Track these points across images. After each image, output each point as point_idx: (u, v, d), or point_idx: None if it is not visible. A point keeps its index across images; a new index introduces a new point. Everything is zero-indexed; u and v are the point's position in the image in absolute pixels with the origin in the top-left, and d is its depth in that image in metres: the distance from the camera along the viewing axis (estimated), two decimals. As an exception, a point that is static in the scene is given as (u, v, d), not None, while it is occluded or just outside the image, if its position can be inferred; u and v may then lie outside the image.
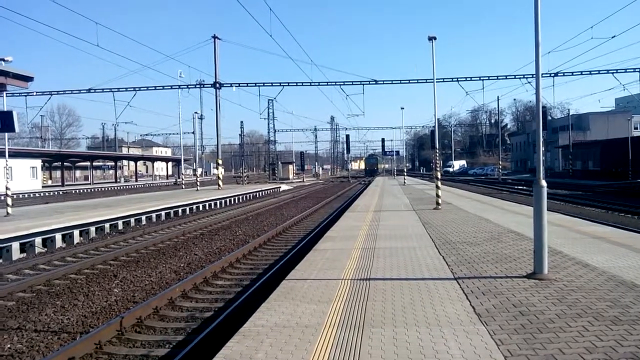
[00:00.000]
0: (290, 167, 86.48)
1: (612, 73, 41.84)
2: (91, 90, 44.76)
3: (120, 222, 20.09)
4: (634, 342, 4.71)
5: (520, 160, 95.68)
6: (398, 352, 4.61)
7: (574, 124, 70.23)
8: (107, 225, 19.11)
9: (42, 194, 47.97)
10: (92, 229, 18.09)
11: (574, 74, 43.23)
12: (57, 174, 78.57)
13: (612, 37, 34.13)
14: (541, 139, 7.81)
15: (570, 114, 74.70)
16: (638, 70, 41.92)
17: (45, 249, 15.39)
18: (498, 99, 68.26)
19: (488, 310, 5.82)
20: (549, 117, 77.67)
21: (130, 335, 7.44)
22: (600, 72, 42.64)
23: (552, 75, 42.61)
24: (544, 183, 7.39)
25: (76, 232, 17.00)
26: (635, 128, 67.98)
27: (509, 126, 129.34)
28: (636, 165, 47.28)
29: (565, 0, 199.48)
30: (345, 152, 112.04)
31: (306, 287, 7.21)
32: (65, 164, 75.36)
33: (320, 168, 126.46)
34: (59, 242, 16.00)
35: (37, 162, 61.37)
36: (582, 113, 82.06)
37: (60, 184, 67.86)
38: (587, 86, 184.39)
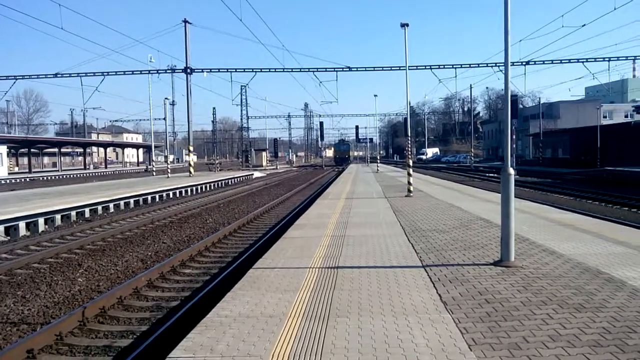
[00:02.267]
0: (264, 154, 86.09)
1: (583, 62, 42.51)
2: (58, 75, 43.69)
3: (87, 210, 19.67)
4: (597, 329, 4.72)
5: (492, 148, 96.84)
6: (362, 342, 4.54)
7: (544, 113, 71.21)
8: (73, 213, 18.69)
9: (8, 181, 46.82)
10: (58, 217, 17.67)
11: (545, 62, 43.79)
12: (24, 160, 76.72)
13: (583, 26, 34.49)
14: (510, 127, 7.81)
15: (541, 102, 75.69)
16: (608, 59, 42.65)
17: (8, 238, 14.96)
18: (471, 87, 69.18)
19: (454, 298, 5.80)
20: (520, 106, 78.60)
21: (92, 326, 7.26)
22: (571, 61, 43.29)
23: (524, 63, 43.02)
24: (511, 171, 7.40)
25: (41, 220, 16.57)
26: (604, 117, 69.34)
27: (481, 114, 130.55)
28: (604, 153, 48.21)
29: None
30: (319, 139, 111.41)
31: (273, 276, 7.10)
32: (32, 150, 73.63)
33: (294, 155, 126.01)
34: (22, 231, 15.57)
35: (3, 149, 59.81)
36: (552, 102, 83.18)
37: (27, 170, 66.34)
38: (558, 75, 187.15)
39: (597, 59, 42.87)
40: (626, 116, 74.39)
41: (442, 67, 45.71)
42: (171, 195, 28.24)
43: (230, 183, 40.79)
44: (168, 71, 48.45)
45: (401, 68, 45.32)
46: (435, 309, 5.44)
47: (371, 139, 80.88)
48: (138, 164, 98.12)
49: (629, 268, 7.00)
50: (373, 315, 5.28)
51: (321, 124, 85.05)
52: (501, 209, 7.42)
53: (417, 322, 5.03)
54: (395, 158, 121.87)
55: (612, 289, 6.03)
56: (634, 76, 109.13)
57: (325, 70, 45.33)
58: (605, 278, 6.51)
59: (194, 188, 32.06)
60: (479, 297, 5.83)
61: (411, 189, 19.92)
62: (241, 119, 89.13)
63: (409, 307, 5.55)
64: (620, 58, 43.70)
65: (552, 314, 5.19)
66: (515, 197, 7.88)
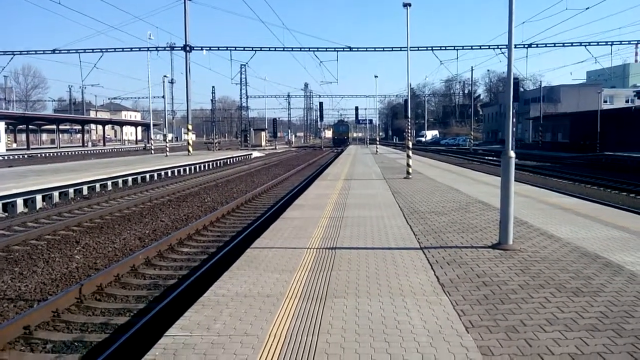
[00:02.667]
0: (263, 134, 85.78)
1: (585, 46, 42.19)
2: (56, 51, 43.30)
3: (85, 187, 19.62)
4: (595, 313, 4.72)
5: (492, 131, 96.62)
6: (359, 323, 4.53)
7: (545, 96, 70.89)
8: (71, 190, 18.64)
9: (5, 158, 46.69)
10: (56, 193, 17.63)
11: (547, 45, 43.48)
12: (23, 137, 76.52)
13: (587, 9, 34.15)
14: (512, 110, 7.73)
15: (542, 86, 75.34)
16: (610, 43, 42.35)
17: (6, 214, 14.93)
18: (472, 70, 68.78)
19: (452, 281, 5.79)
20: (521, 89, 78.10)
21: (89, 303, 7.25)
22: (573, 44, 42.98)
23: (526, 46, 42.73)
24: (512, 154, 7.35)
25: (39, 197, 16.52)
26: (605, 101, 69.10)
27: (481, 97, 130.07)
28: (604, 138, 48.12)
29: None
30: (318, 119, 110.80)
31: (271, 256, 7.09)
32: (30, 127, 73.31)
33: (293, 135, 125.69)
34: (20, 207, 15.53)
35: (1, 125, 59.43)
36: (553, 85, 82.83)
37: (25, 147, 66.15)
38: (560, 58, 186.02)
39: (600, 43, 42.58)
40: (627, 101, 74.18)
41: (444, 48, 45.38)
42: (169, 174, 28.18)
43: (228, 162, 40.71)
44: (167, 49, 48.27)
45: (402, 49, 44.92)
46: (433, 291, 5.43)
47: (370, 121, 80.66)
48: (136, 142, 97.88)
49: (627, 253, 6.99)
50: (370, 297, 5.27)
51: (321, 104, 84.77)
52: (501, 192, 7.39)
53: (415, 304, 5.02)
54: (394, 140, 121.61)
55: (610, 273, 6.03)
56: (636, 61, 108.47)
57: (326, 50, 44.99)
58: (604, 262, 6.51)
59: (193, 167, 31.99)
60: (477, 279, 5.83)
61: (410, 170, 19.88)
62: (240, 98, 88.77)
63: (406, 288, 5.54)
64: (623, 42, 43.51)
65: (549, 297, 5.19)
66: (514, 180, 7.84)
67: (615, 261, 6.55)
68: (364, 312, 4.82)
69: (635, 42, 45.52)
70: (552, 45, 43.41)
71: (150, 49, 44.82)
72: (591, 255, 6.87)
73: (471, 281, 5.76)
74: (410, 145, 21.49)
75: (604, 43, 42.61)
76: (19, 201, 15.60)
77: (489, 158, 46.65)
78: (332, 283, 5.77)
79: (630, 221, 9.69)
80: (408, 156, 20.51)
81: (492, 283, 5.68)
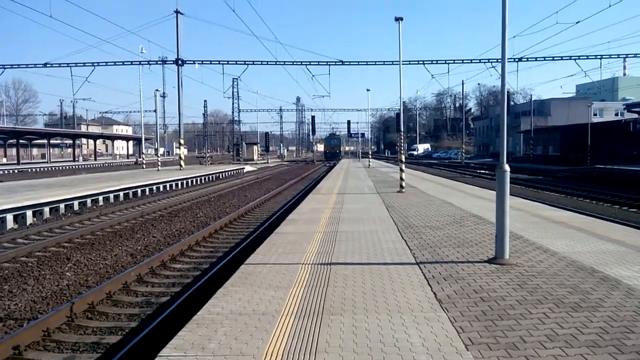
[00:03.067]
0: (255, 147, 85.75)
1: (575, 59, 42.60)
2: (47, 65, 43.25)
3: (76, 203, 19.44)
4: (595, 329, 4.67)
5: (483, 145, 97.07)
6: (357, 341, 4.45)
7: (535, 110, 71.41)
8: (62, 205, 18.46)
9: (-4, 173, 46.28)
10: (46, 209, 17.45)
11: (538, 59, 43.91)
12: (13, 151, 75.96)
13: (577, 23, 34.50)
14: (505, 124, 7.72)
15: (533, 99, 75.89)
16: (600, 57, 42.75)
17: (-4, 230, 14.74)
18: (463, 83, 69.19)
19: (449, 296, 5.72)
20: (512, 102, 78.72)
21: (80, 322, 7.12)
22: (563, 58, 43.42)
23: (516, 60, 43.11)
24: (507, 167, 7.32)
25: (29, 213, 16.34)
26: (595, 114, 69.62)
27: (472, 110, 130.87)
28: (594, 151, 48.44)
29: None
30: (310, 133, 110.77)
31: (265, 272, 7.00)
32: (21, 141, 72.76)
33: (286, 149, 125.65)
34: (10, 224, 15.34)
35: (-9, 140, 59.08)
36: (544, 99, 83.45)
37: (15, 162, 65.66)
38: (550, 72, 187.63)
39: (589, 57, 42.99)
40: (616, 114, 74.76)
41: (435, 62, 45.74)
42: (161, 189, 28.01)
43: (221, 177, 40.57)
44: (159, 62, 48.16)
45: (394, 63, 45.20)
46: (431, 307, 5.36)
47: (363, 134, 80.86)
48: (128, 156, 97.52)
49: (623, 267, 6.96)
50: (368, 314, 5.19)
51: (313, 118, 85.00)
52: (496, 206, 7.36)
53: (413, 321, 4.95)
54: (386, 153, 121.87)
55: (608, 287, 5.99)
56: (624, 74, 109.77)
57: (318, 64, 45.17)
58: (600, 277, 6.47)
59: (185, 181, 31.84)
60: (475, 295, 5.77)
61: (403, 184, 19.86)
62: (232, 112, 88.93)
63: (403, 305, 5.47)
64: (612, 56, 43.90)
65: (548, 313, 5.13)
66: (509, 194, 7.80)
67: (612, 275, 6.51)
68: (361, 329, 4.74)
69: (624, 55, 45.98)
70: (543, 59, 43.91)
71: (142, 62, 44.80)
72: (587, 270, 6.84)
73: (469, 297, 5.70)
74: (403, 159, 21.50)
75: (594, 57, 43.06)
76: (9, 217, 15.41)
77: (481, 171, 46.78)
78: (328, 300, 5.69)
79: (625, 234, 9.69)
80: (401, 170, 20.50)
81: (490, 299, 5.62)
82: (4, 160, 74.41)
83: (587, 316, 5.02)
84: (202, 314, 5.30)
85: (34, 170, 51.95)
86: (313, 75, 47.28)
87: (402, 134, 22.30)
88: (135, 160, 76.97)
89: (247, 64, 45.63)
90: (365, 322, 4.95)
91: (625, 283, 6.16)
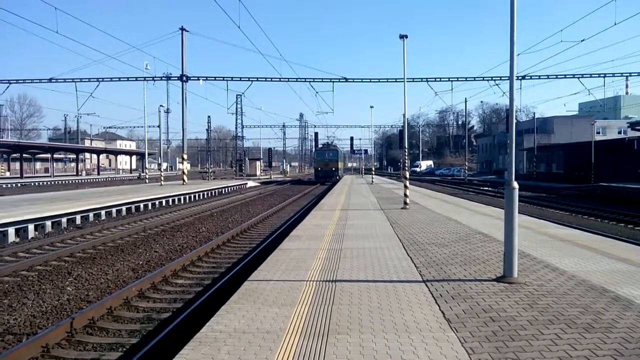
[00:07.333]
0: (258, 163, 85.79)
1: (578, 78, 42.60)
2: (52, 80, 43.40)
3: (78, 217, 19.35)
4: (609, 351, 4.53)
5: (486, 162, 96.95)
6: (365, 362, 4.31)
7: (539, 127, 71.39)
8: (64, 219, 18.37)
9: (-1, 186, 46.28)
10: (48, 223, 17.36)
11: (541, 77, 43.92)
12: (16, 165, 76.01)
13: (582, 41, 34.54)
14: (514, 142, 7.65)
15: (536, 117, 75.94)
16: (603, 75, 42.80)
17: (-3, 244, 14.63)
18: (466, 101, 69.12)
19: (458, 316, 5.59)
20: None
21: (81, 338, 6.99)
22: (567, 76, 43.39)
23: (520, 78, 43.10)
24: (515, 185, 7.21)
25: (31, 227, 16.25)
26: (598, 132, 69.56)
27: (475, 128, 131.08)
28: (598, 169, 48.29)
29: (537, 2, 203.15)
30: (313, 149, 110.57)
31: (269, 289, 6.87)
32: (24, 155, 72.92)
33: (288, 165, 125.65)
34: (11, 237, 15.24)
35: (-5, 153, 59.17)
36: (547, 117, 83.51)
37: (19, 176, 65.69)
38: (553, 90, 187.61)
39: (593, 75, 43.04)
40: (619, 132, 74.78)
41: (439, 79, 45.79)
42: (164, 203, 27.92)
43: (223, 192, 40.49)
44: (163, 79, 48.30)
45: (398, 80, 45.33)
46: (439, 327, 5.23)
47: (366, 151, 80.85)
48: (131, 171, 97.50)
49: (634, 286, 6.82)
50: (375, 333, 5.05)
51: (316, 134, 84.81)
52: (505, 223, 7.23)
53: (421, 341, 4.81)
54: (389, 170, 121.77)
55: (620, 308, 5.85)
56: (627, 93, 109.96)
57: (322, 81, 45.20)
58: (612, 296, 6.33)
59: (187, 196, 31.76)
60: (484, 314, 5.63)
61: (407, 201, 19.74)
62: (236, 128, 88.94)
63: (411, 324, 5.34)
64: (615, 74, 44.03)
65: (560, 334, 4.99)
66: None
67: (623, 295, 6.37)
68: (368, 349, 4.60)
69: (628, 74, 46.04)
70: (546, 77, 43.89)
71: (146, 78, 44.96)
72: (598, 289, 6.69)
73: (478, 316, 5.56)
74: (408, 175, 21.39)
75: (597, 75, 43.11)
76: (11, 230, 15.31)
77: (485, 188, 46.61)
78: (334, 318, 5.56)
79: (633, 253, 9.54)
80: (405, 186, 20.39)
81: (500, 318, 5.48)
82: (8, 174, 74.46)
83: (600, 337, 4.88)
84: (205, 332, 5.17)
85: (37, 184, 51.96)
86: (317, 92, 47.68)
87: (406, 150, 22.19)
88: (138, 175, 77.00)
89: (252, 81, 45.80)
90: (372, 341, 4.81)
91: (638, 303, 6.01)
